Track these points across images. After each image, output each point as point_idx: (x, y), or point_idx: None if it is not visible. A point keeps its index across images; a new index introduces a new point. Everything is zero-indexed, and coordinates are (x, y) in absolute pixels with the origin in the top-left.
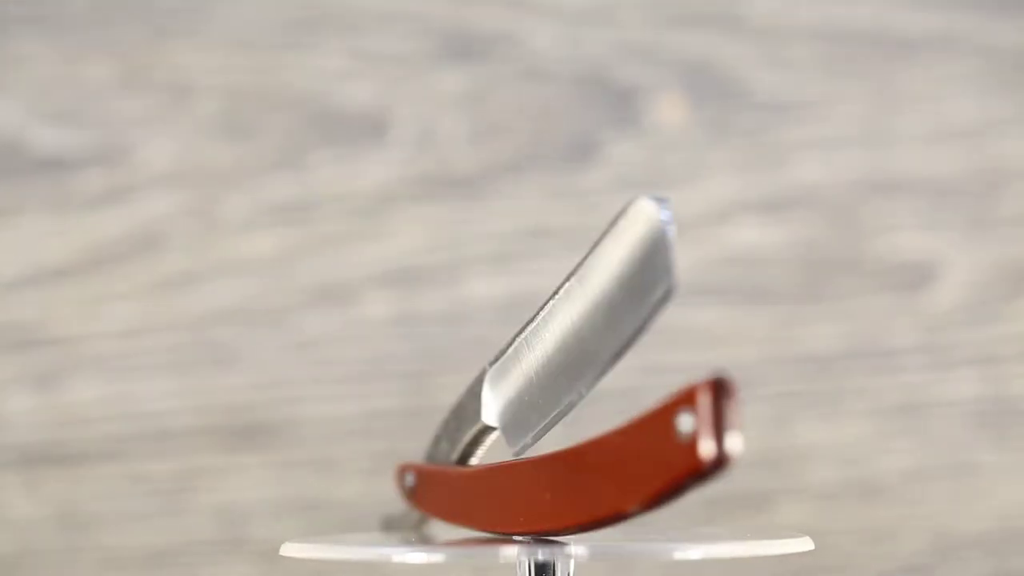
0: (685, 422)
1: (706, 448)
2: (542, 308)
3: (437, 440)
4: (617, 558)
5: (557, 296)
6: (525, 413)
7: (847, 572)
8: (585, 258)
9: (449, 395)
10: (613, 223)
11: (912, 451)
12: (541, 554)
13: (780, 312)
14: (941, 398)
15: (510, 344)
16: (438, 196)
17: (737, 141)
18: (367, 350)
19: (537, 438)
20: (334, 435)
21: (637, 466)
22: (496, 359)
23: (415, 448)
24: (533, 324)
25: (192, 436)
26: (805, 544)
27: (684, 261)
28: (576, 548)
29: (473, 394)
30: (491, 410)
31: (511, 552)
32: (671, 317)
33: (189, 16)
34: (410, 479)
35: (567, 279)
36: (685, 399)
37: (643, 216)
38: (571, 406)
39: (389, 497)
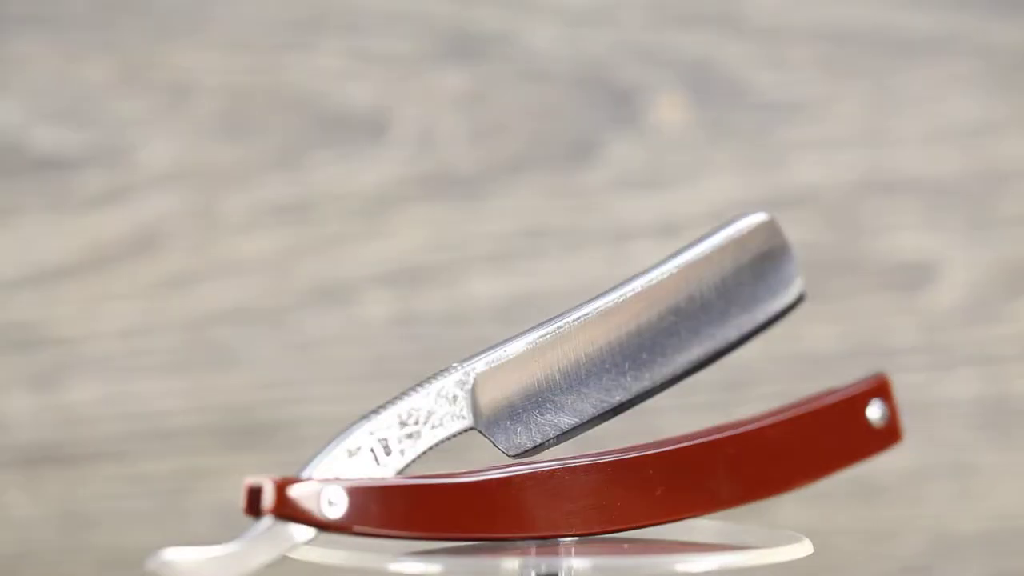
0: (876, 411)
1: (896, 432)
2: (577, 311)
3: (355, 450)
4: (619, 570)
5: (610, 299)
6: (538, 416)
7: (847, 572)
8: (663, 265)
9: None
10: (719, 236)
11: (912, 451)
12: (545, 566)
13: None
14: (941, 398)
15: (505, 346)
16: (438, 196)
17: (737, 141)
18: (367, 350)
19: (556, 442)
20: (334, 435)
21: (815, 449)
22: (490, 361)
23: None
24: (557, 326)
25: (192, 436)
26: (805, 549)
27: None
28: (578, 560)
29: (446, 396)
30: (479, 412)
31: (512, 564)
32: None
33: (189, 16)
34: (339, 498)
35: (627, 284)
36: (874, 391)
37: (761, 230)
38: (620, 408)
39: None
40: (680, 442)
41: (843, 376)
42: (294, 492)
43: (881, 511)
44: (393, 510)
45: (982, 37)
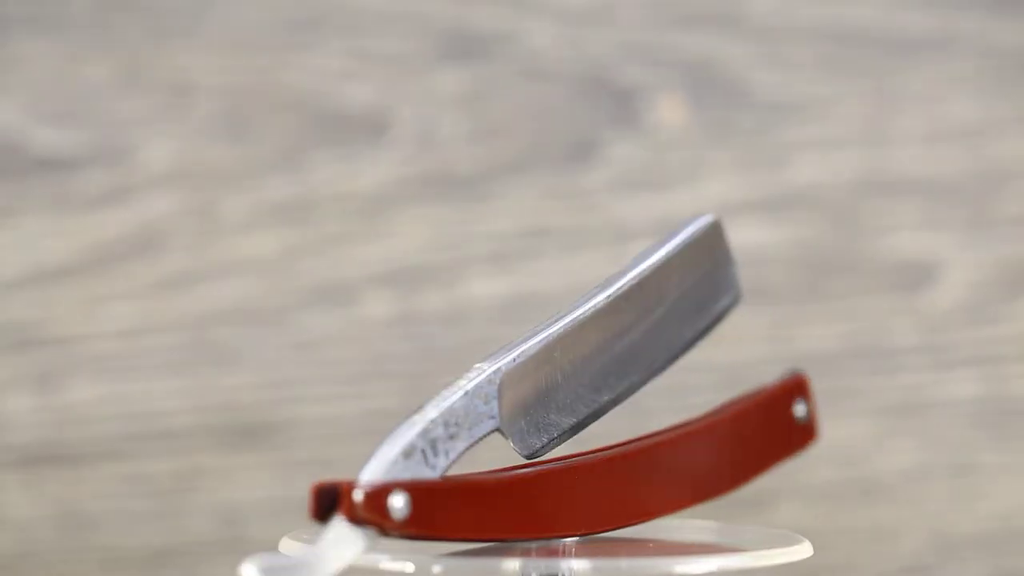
0: (800, 408)
1: (817, 429)
2: (575, 310)
3: (415, 453)
4: (619, 571)
5: (600, 299)
6: (543, 417)
7: (847, 572)
8: (631, 268)
9: None
10: (680, 237)
11: (912, 451)
12: (546, 567)
13: (780, 312)
14: (941, 398)
15: (522, 346)
16: (438, 196)
17: (737, 141)
18: (367, 350)
19: (557, 442)
20: (334, 435)
21: (754, 446)
22: (512, 361)
23: None
24: (561, 326)
25: (192, 436)
26: (804, 551)
27: None
28: (578, 561)
29: (480, 397)
30: (502, 413)
31: (513, 565)
32: None
33: (189, 16)
34: (404, 502)
35: (612, 284)
36: (797, 390)
37: (711, 232)
38: (608, 408)
39: None
40: (669, 433)
41: (843, 376)
42: (364, 496)
43: (881, 511)
44: (458, 511)
45: (982, 37)
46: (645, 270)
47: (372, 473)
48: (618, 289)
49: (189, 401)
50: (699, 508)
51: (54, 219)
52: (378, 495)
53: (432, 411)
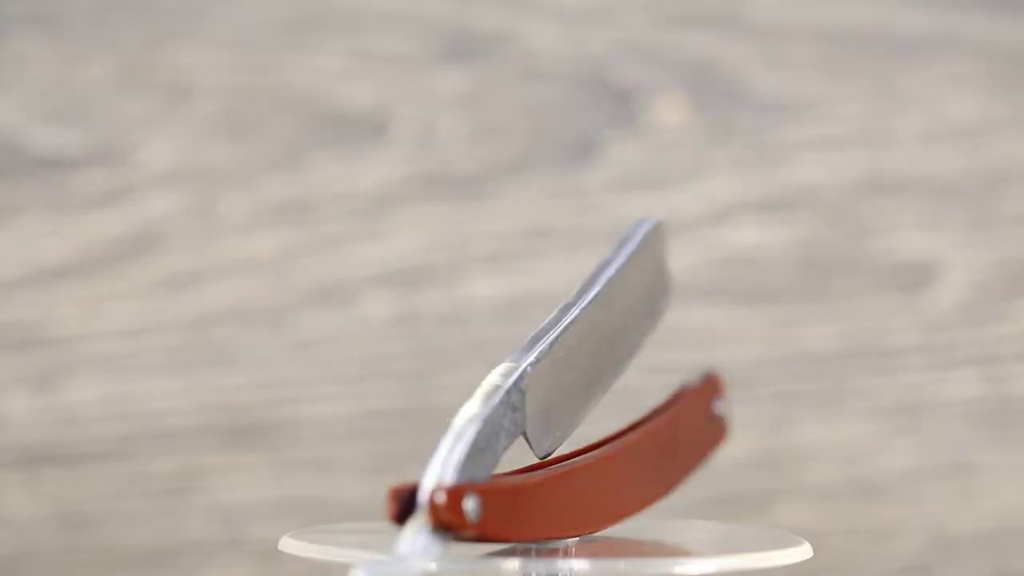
0: (719, 405)
1: (727, 426)
2: (569, 312)
3: (473, 455)
4: (618, 572)
5: (587, 302)
6: (552, 417)
7: (847, 572)
8: (606, 269)
9: (449, 395)
10: (636, 239)
11: (912, 451)
12: (546, 567)
13: (780, 312)
14: (941, 398)
15: (538, 347)
16: (438, 196)
17: (737, 141)
18: (367, 350)
19: (560, 441)
20: (334, 435)
21: (687, 444)
22: (535, 362)
23: (415, 449)
24: (562, 329)
25: (192, 436)
26: (804, 552)
27: (684, 261)
28: (579, 562)
29: (513, 399)
30: (527, 417)
31: (512, 564)
32: (671, 317)
33: (189, 16)
34: (475, 504)
35: (591, 286)
36: (715, 388)
37: (658, 234)
38: (594, 406)
39: None
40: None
41: (843, 376)
42: (445, 498)
43: (881, 511)
44: (518, 512)
45: (982, 37)
46: (616, 272)
47: (441, 476)
48: (599, 291)
49: (189, 401)
50: (699, 508)
51: (53, 219)
52: (456, 497)
53: (481, 413)
